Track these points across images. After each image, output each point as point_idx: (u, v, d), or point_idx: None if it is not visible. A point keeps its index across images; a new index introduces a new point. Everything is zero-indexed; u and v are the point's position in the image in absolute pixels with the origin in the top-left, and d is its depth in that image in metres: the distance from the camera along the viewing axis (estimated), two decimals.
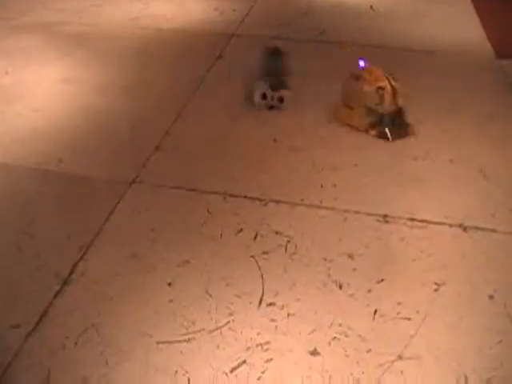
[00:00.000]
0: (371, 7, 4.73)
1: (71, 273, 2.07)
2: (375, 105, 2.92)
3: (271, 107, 3.16)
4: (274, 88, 3.15)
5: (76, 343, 1.82)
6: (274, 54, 3.27)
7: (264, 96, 3.14)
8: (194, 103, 3.22)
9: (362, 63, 3.08)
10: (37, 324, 1.88)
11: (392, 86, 2.91)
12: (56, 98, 3.27)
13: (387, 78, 2.93)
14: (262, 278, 2.09)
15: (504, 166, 2.72)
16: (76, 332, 1.85)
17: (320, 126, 3.03)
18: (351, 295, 2.03)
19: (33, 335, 1.85)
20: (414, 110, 3.14)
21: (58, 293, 1.99)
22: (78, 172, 2.64)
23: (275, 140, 2.89)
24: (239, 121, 3.06)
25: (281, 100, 3.15)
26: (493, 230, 2.34)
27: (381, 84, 2.91)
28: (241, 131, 2.98)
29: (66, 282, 2.03)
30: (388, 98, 2.90)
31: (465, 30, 4.33)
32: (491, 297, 2.02)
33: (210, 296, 2.01)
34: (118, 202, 2.43)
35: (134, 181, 2.57)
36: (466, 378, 1.74)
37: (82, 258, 2.14)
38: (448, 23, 4.44)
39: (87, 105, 3.18)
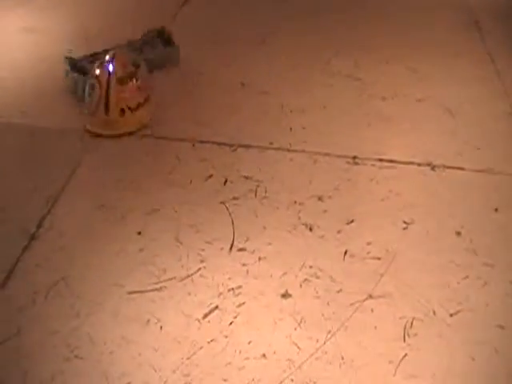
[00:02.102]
0: None
1: (39, 227, 2.05)
2: None
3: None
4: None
5: (46, 297, 1.80)
6: None
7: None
8: None
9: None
10: (5, 280, 1.86)
11: None
12: (18, 48, 3.16)
13: None
14: (233, 223, 2.09)
15: (470, 105, 2.73)
16: (45, 286, 1.83)
17: (288, 68, 2.99)
18: (321, 237, 2.04)
19: (0, 292, 1.83)
20: (382, 49, 3.13)
21: (25, 248, 1.97)
22: (42, 124, 2.58)
23: (243, 84, 2.86)
24: (206, 66, 3.01)
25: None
26: (460, 168, 2.35)
27: None
28: (208, 76, 2.93)
29: (33, 237, 2.00)
30: None
31: None
32: (458, 233, 2.05)
33: (181, 243, 2.00)
34: (85, 153, 2.40)
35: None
36: (434, 313, 1.77)
37: (49, 211, 2.11)
38: None
39: (51, 54, 3.07)
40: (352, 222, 2.10)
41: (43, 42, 3.23)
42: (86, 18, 3.47)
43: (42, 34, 3.30)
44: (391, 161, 2.38)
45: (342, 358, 1.66)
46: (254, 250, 1.98)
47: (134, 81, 2.53)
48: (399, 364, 1.64)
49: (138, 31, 3.11)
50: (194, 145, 2.45)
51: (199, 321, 1.75)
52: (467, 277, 1.89)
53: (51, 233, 2.03)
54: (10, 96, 2.76)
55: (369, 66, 3.00)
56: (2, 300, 1.81)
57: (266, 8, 3.59)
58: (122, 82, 2.49)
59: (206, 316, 1.76)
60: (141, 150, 2.44)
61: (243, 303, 1.81)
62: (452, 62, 3.08)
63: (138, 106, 2.54)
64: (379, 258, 1.96)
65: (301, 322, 1.75)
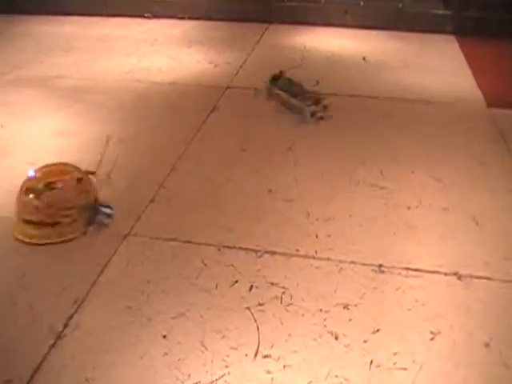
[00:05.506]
0: (364, 58, 4.83)
1: (65, 326, 2.06)
2: None
3: (321, 118, 3.55)
4: (316, 102, 3.54)
5: None
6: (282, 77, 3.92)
7: (312, 114, 3.52)
8: (189, 155, 3.25)
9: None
10: (30, 379, 1.86)
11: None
12: (52, 150, 3.30)
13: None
14: (258, 329, 2.08)
15: (496, 214, 2.74)
16: None
17: (314, 176, 3.06)
18: (347, 346, 2.02)
19: None
20: (408, 159, 3.20)
21: (52, 346, 1.98)
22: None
23: (270, 191, 2.92)
24: (234, 172, 3.09)
25: (325, 108, 3.51)
26: (488, 278, 2.34)
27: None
28: (235, 182, 3.01)
29: (60, 336, 2.02)
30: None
31: (456, 79, 4.42)
32: (487, 345, 2.02)
33: (206, 348, 1.99)
34: (113, 255, 2.44)
35: (128, 233, 2.57)
36: None
37: (76, 311, 2.14)
38: (439, 73, 4.54)
39: (82, 158, 3.20)
40: (378, 331, 2.08)
41: (75, 146, 3.37)
42: (115, 124, 3.63)
43: (74, 137, 3.46)
44: (417, 270, 2.38)
45: None
46: (278, 357, 1.97)
47: None
48: None
49: (169, 131, 3.22)
50: (219, 250, 2.49)
51: None
52: None
53: (77, 332, 2.04)
54: None
55: (394, 176, 3.06)
56: None
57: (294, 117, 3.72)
58: None
59: None
60: (168, 252, 2.47)
61: None
62: (477, 170, 3.13)
63: None
64: (406, 369, 1.92)
65: None
